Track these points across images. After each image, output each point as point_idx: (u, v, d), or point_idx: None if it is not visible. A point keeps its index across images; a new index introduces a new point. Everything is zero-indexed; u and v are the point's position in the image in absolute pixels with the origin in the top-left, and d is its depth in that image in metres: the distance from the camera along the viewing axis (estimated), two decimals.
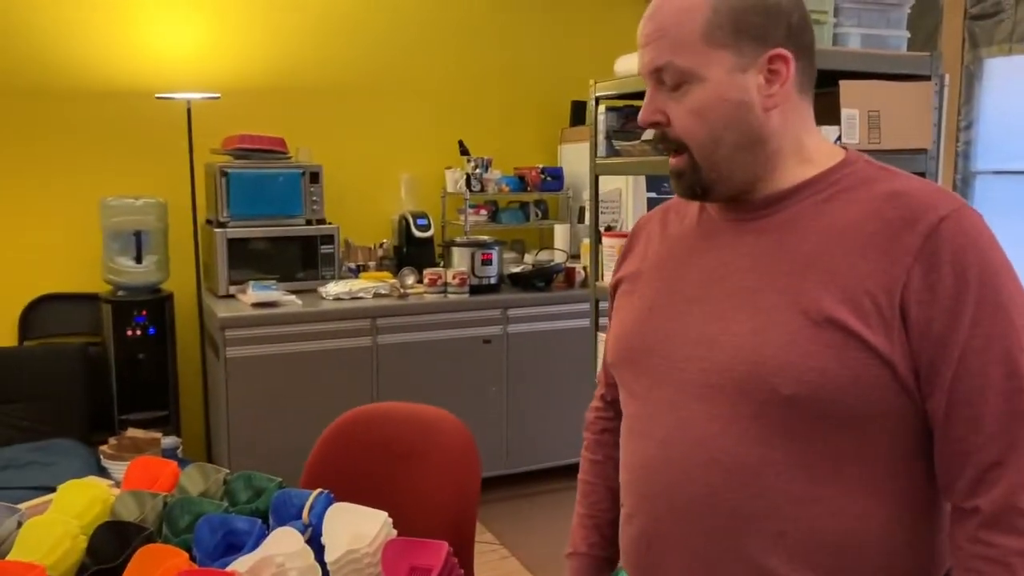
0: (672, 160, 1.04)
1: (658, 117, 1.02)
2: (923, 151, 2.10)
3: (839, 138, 1.98)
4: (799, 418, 0.94)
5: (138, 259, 3.68)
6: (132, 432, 3.23)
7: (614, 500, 1.29)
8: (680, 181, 1.05)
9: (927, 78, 2.11)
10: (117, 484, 1.72)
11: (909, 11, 2.18)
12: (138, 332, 3.66)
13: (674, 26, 0.98)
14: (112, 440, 3.15)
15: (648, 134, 2.24)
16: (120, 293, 3.70)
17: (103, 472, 2.98)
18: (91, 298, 3.86)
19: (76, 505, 1.49)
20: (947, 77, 3.89)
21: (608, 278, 2.49)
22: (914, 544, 0.97)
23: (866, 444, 0.94)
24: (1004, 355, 0.89)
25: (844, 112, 1.97)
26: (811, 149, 1.04)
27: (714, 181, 1.02)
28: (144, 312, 3.66)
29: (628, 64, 2.48)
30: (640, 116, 1.04)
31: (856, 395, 0.92)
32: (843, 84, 1.98)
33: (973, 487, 0.91)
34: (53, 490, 1.59)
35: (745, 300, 0.99)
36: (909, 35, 2.18)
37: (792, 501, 0.95)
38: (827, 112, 2.01)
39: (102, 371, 3.67)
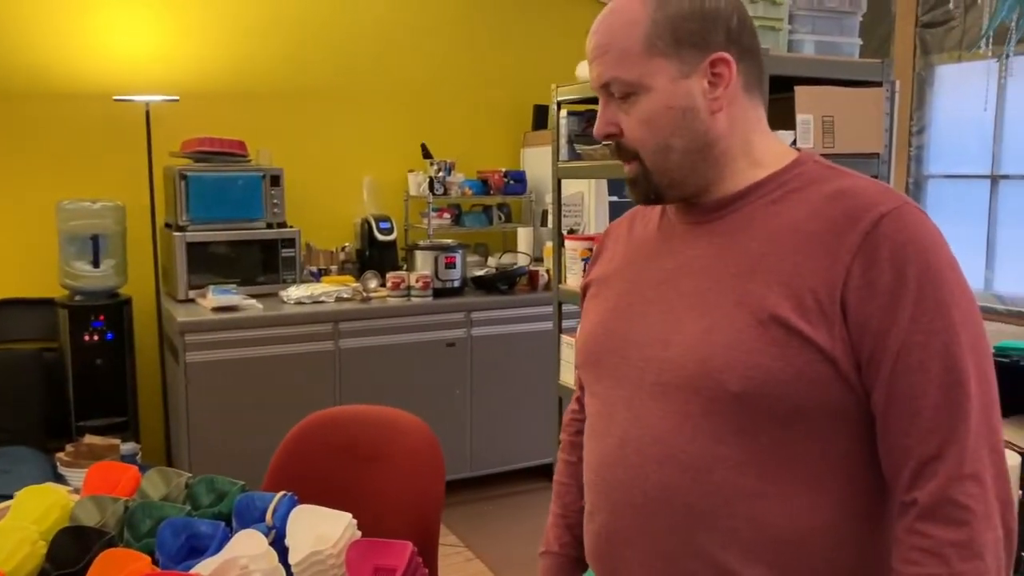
0: (626, 168, 1.08)
1: (612, 129, 1.05)
2: (875, 155, 2.16)
3: (794, 142, 2.03)
4: (747, 415, 0.96)
5: (95, 263, 3.62)
6: (90, 439, 3.19)
7: None
8: (635, 188, 1.08)
9: (879, 84, 2.16)
10: (75, 491, 1.69)
11: (862, 19, 2.23)
12: (96, 337, 3.60)
13: (617, 41, 1.01)
14: (69, 447, 3.10)
15: None
16: (77, 298, 3.64)
17: (60, 479, 2.93)
18: (47, 303, 3.79)
19: (34, 511, 1.47)
20: (898, 83, 3.99)
21: (571, 281, 2.52)
22: (860, 538, 0.99)
23: (812, 439, 0.96)
24: (943, 350, 0.90)
25: (799, 117, 2.02)
26: (761, 150, 1.06)
27: (666, 186, 1.05)
28: (102, 317, 3.61)
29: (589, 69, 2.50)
30: (595, 129, 1.08)
31: (800, 391, 0.94)
32: (798, 90, 2.02)
33: (913, 480, 0.92)
34: (9, 498, 1.57)
35: (697, 301, 1.02)
36: (861, 42, 2.24)
37: (744, 497, 0.97)
38: (783, 117, 2.06)
39: (59, 377, 3.61)
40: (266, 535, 1.39)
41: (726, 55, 1.01)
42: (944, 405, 0.90)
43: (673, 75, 1.00)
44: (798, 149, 1.12)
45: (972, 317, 0.93)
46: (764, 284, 0.97)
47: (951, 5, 3.82)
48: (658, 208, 1.17)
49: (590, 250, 2.44)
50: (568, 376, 2.50)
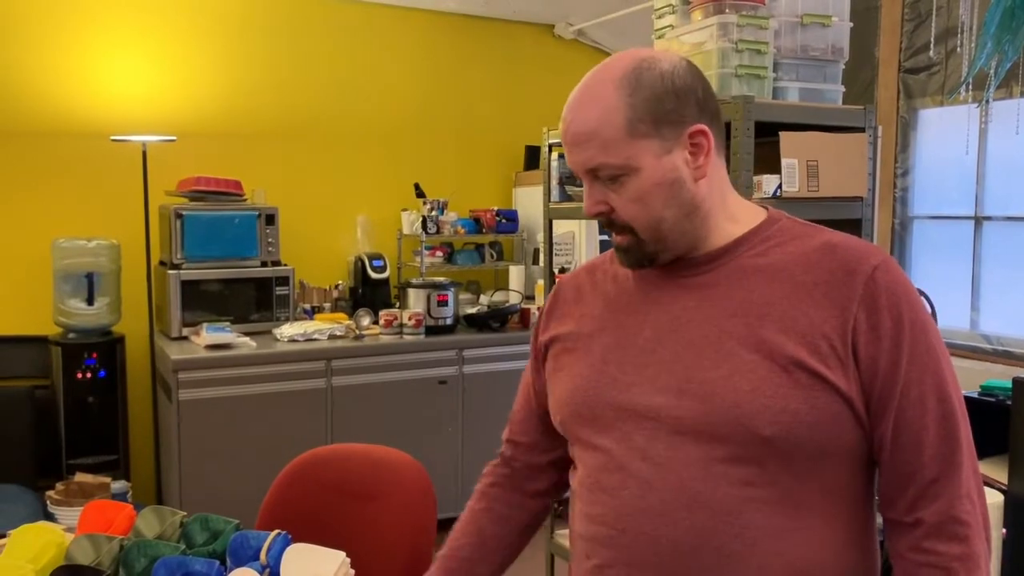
0: (618, 239, 1.12)
1: (602, 208, 1.09)
2: (859, 198, 2.21)
3: (779, 186, 2.08)
4: (773, 457, 1.01)
5: (90, 301, 3.64)
6: (80, 477, 3.17)
7: (478, 544, 1.32)
8: (627, 255, 1.12)
9: (862, 130, 2.22)
10: (68, 530, 1.70)
11: (845, 64, 2.30)
12: (88, 375, 3.61)
13: (598, 129, 1.05)
14: (59, 485, 3.09)
15: None
16: (71, 335, 3.65)
17: (50, 518, 2.92)
18: (40, 340, 3.80)
19: (30, 549, 1.48)
20: (880, 129, 4.07)
21: None
22: (862, 563, 1.07)
23: (828, 475, 1.03)
24: (936, 386, 1.02)
25: (784, 161, 2.07)
26: (734, 206, 1.13)
27: (659, 252, 1.10)
28: (95, 355, 3.62)
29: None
30: (585, 208, 1.12)
31: (824, 431, 1.00)
32: (783, 135, 2.08)
33: (914, 502, 1.02)
34: (2, 536, 1.58)
35: (707, 348, 1.05)
36: (844, 89, 2.30)
37: (771, 536, 1.01)
38: (768, 161, 2.11)
39: (50, 415, 3.61)
40: (260, 574, 1.40)
41: (702, 126, 1.06)
42: (942, 434, 1.01)
43: (657, 153, 1.05)
44: (760, 203, 1.19)
45: (947, 355, 1.05)
46: (777, 332, 1.02)
47: (932, 53, 3.92)
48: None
49: None
50: None
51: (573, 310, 1.23)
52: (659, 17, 2.45)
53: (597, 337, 1.17)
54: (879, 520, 1.09)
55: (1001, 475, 2.59)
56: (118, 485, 3.42)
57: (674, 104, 1.05)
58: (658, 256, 1.11)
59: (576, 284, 1.27)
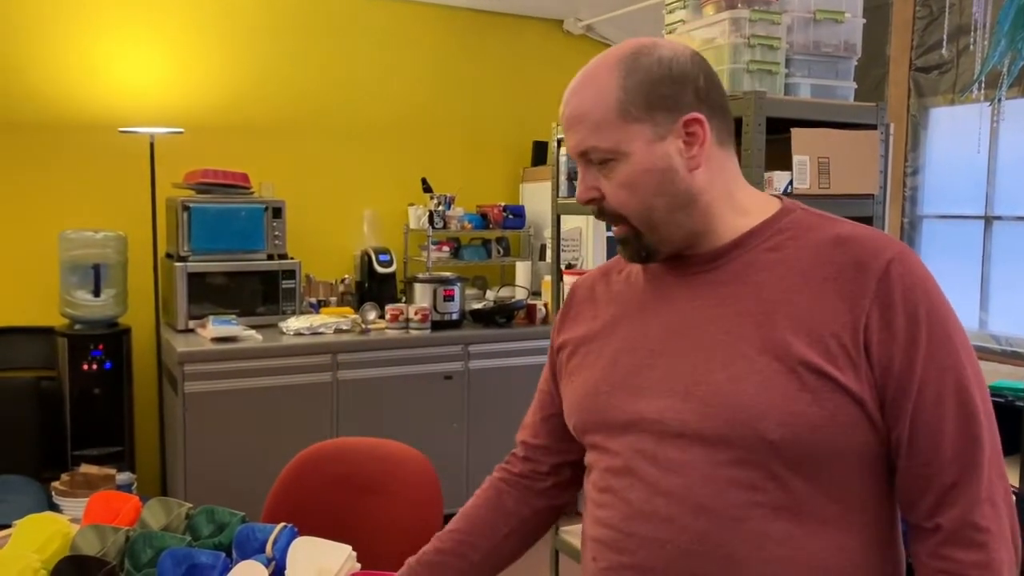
0: (615, 229, 1.10)
1: (593, 194, 1.08)
2: (870, 196, 2.19)
3: (791, 183, 2.06)
4: (782, 460, 0.97)
5: (96, 292, 3.64)
6: (85, 468, 3.18)
7: (471, 530, 1.28)
8: (626, 247, 1.10)
9: (873, 127, 2.21)
10: (74, 521, 1.70)
11: (856, 63, 2.28)
12: (94, 366, 3.61)
13: (591, 110, 1.04)
14: (64, 476, 3.09)
15: None
16: (77, 327, 3.66)
17: (55, 509, 2.92)
18: (46, 331, 3.80)
19: (36, 540, 1.47)
20: (892, 126, 4.05)
21: None
22: (882, 569, 1.03)
23: (841, 479, 0.99)
24: (956, 384, 0.97)
25: (795, 158, 2.06)
26: (744, 200, 1.10)
27: (657, 243, 1.08)
28: (101, 346, 3.62)
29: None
30: (577, 195, 1.10)
31: (834, 434, 0.97)
32: (794, 131, 2.06)
33: (934, 507, 0.98)
34: (6, 527, 1.58)
35: (715, 349, 1.02)
36: (856, 86, 2.28)
37: (779, 542, 0.98)
38: (780, 158, 2.10)
39: (56, 406, 3.61)
40: (266, 566, 1.39)
41: (698, 115, 1.03)
42: (961, 436, 0.97)
43: (648, 139, 1.03)
44: (775, 195, 1.15)
45: (970, 351, 0.99)
46: (786, 331, 0.99)
47: (944, 51, 3.90)
48: (636, 264, 1.17)
49: None
50: None
51: (586, 313, 1.22)
52: (670, 12, 2.43)
53: (608, 339, 1.15)
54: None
55: (1012, 477, 2.58)
56: (123, 477, 3.43)
57: (670, 90, 1.03)
58: (657, 249, 1.08)
59: (589, 286, 1.25)
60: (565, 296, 1.29)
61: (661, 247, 1.08)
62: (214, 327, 3.54)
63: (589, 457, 1.16)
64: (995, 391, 2.85)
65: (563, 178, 2.66)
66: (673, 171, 1.04)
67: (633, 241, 1.08)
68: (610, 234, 4.09)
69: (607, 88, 1.03)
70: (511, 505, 1.30)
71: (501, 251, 4.70)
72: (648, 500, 1.03)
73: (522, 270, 4.54)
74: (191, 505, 1.63)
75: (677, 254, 1.10)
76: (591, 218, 4.08)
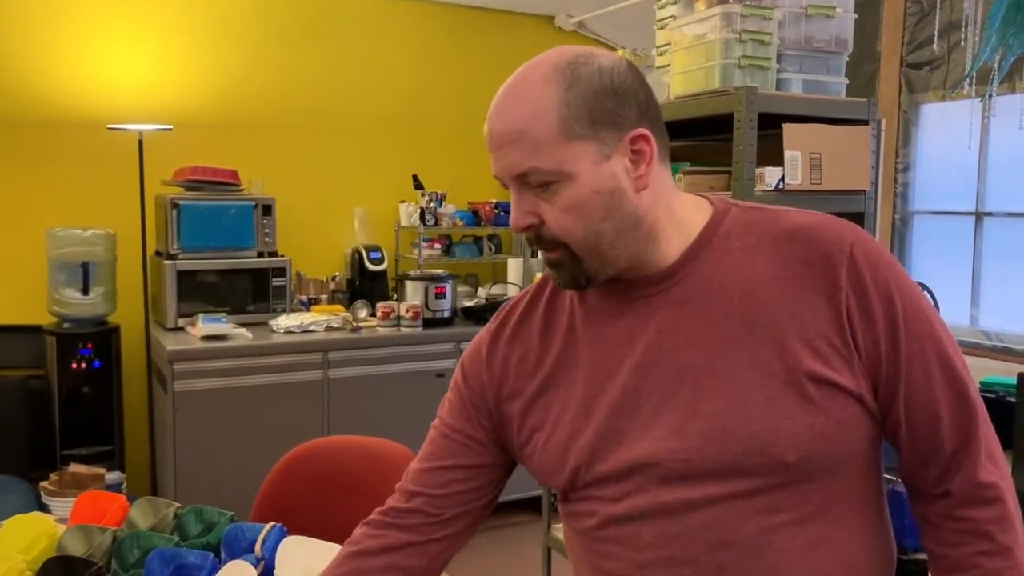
0: (548, 254, 1.00)
1: (531, 220, 0.98)
2: (862, 192, 2.19)
3: (782, 178, 2.06)
4: (799, 477, 0.94)
5: (85, 291, 3.61)
6: (74, 467, 3.16)
7: None
8: (561, 273, 1.00)
9: (865, 123, 2.21)
10: (61, 521, 1.68)
11: (848, 59, 2.28)
12: (83, 365, 3.58)
13: (528, 128, 0.94)
14: (53, 476, 3.07)
15: None
16: (65, 325, 3.63)
17: (44, 509, 2.90)
18: (34, 330, 3.77)
19: (22, 540, 1.46)
20: (883, 122, 4.06)
21: None
22: (888, 547, 1.05)
23: (847, 480, 0.98)
24: (936, 351, 0.97)
25: (787, 154, 2.06)
26: (681, 212, 1.02)
27: (598, 269, 0.99)
28: (90, 345, 3.60)
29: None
30: (512, 222, 1.00)
31: (843, 438, 0.95)
32: (786, 127, 2.06)
33: (941, 476, 0.98)
34: None
35: (700, 376, 0.96)
36: (847, 81, 2.28)
37: (799, 557, 0.96)
38: (771, 153, 2.09)
39: (44, 405, 3.58)
40: (255, 566, 1.38)
41: (644, 131, 0.96)
42: (953, 402, 0.97)
43: (594, 158, 0.94)
44: (704, 196, 1.08)
45: (935, 311, 0.99)
46: (770, 341, 0.94)
47: (935, 47, 3.90)
48: (565, 293, 1.08)
49: None
50: None
51: (527, 356, 1.08)
52: (661, 7, 2.43)
53: (569, 385, 1.04)
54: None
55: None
56: (112, 476, 3.41)
57: (613, 104, 0.94)
58: (596, 275, 0.99)
59: (518, 322, 1.11)
60: (484, 336, 1.13)
61: (602, 272, 0.99)
62: (204, 325, 3.52)
63: (576, 507, 1.06)
64: (986, 387, 2.85)
65: None
66: (621, 192, 0.95)
67: (570, 266, 0.99)
68: None
69: (545, 102, 0.93)
70: (395, 560, 1.16)
71: (493, 248, 4.69)
72: (663, 545, 0.97)
73: (514, 267, 4.53)
74: (179, 505, 1.62)
75: (616, 277, 1.01)
76: None
